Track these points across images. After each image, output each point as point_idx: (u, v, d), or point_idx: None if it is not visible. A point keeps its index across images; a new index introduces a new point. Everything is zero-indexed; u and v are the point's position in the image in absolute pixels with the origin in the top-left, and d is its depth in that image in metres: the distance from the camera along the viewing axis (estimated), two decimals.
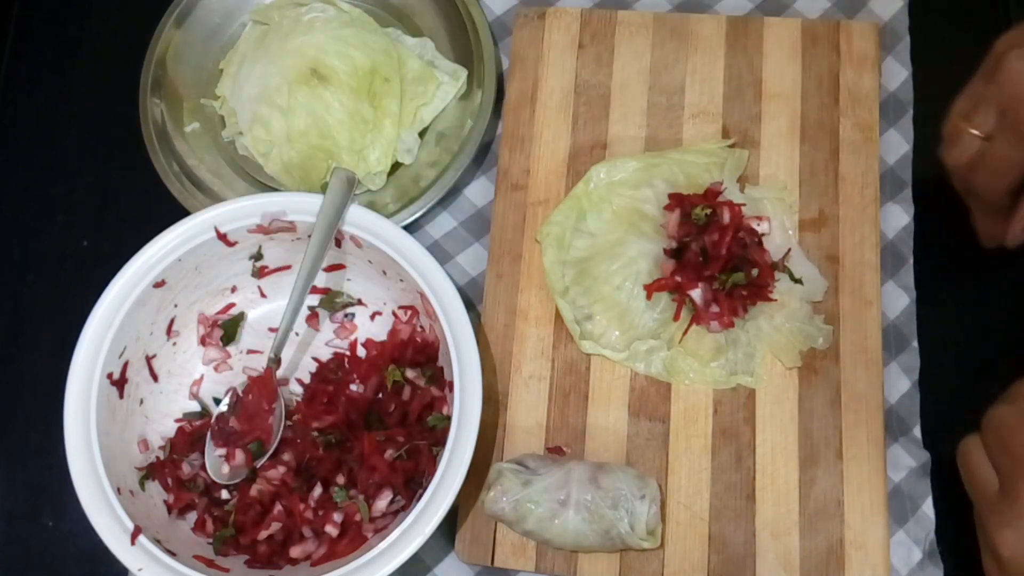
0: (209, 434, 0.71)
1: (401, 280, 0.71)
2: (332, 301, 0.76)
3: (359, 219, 0.70)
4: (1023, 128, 0.58)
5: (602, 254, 0.73)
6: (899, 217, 0.76)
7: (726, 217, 0.72)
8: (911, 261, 0.75)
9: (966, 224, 0.77)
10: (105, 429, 0.67)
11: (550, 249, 0.74)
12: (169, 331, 0.74)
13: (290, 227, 0.71)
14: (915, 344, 0.73)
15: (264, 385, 0.72)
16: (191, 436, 0.72)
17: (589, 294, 0.72)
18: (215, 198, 0.79)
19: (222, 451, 0.70)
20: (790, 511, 0.68)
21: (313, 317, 0.76)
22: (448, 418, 0.66)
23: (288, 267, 0.76)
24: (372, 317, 0.76)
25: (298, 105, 0.77)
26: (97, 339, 0.68)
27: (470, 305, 0.77)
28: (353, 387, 0.73)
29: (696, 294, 0.71)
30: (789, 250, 0.73)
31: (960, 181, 0.64)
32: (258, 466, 0.70)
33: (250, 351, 0.76)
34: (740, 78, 0.79)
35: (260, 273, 0.76)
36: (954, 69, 0.81)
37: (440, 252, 0.79)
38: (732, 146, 0.76)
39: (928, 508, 0.69)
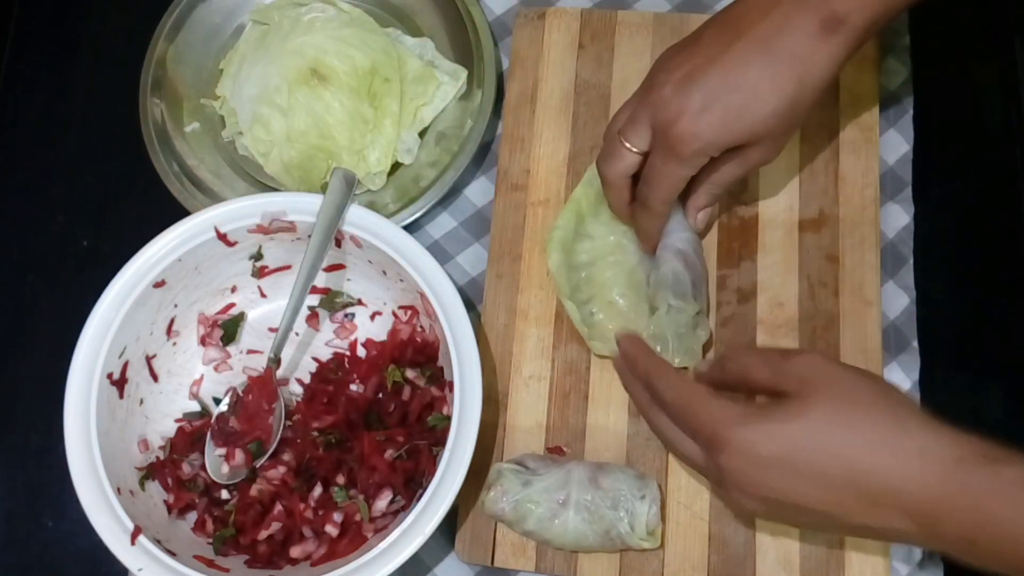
0: (209, 434, 0.71)
1: (401, 280, 0.71)
2: (332, 301, 0.76)
3: (359, 219, 0.70)
4: (672, 147, 0.62)
5: (603, 259, 0.73)
6: (899, 217, 0.76)
7: None
8: (911, 261, 0.75)
9: (966, 224, 0.77)
10: (105, 429, 0.67)
11: (555, 253, 0.74)
12: (169, 331, 0.74)
13: (290, 227, 0.71)
14: (915, 344, 0.73)
15: (264, 385, 0.72)
16: (191, 436, 0.72)
17: (594, 301, 0.72)
18: (215, 198, 0.79)
19: (222, 451, 0.70)
20: None
21: (313, 317, 0.76)
22: (448, 418, 0.66)
23: (288, 267, 0.76)
24: (372, 317, 0.76)
25: (298, 105, 0.77)
26: (97, 339, 0.68)
27: (470, 305, 0.77)
28: (353, 387, 0.73)
29: None
30: None
31: (614, 191, 0.68)
32: (258, 466, 0.70)
33: (250, 351, 0.76)
34: None
35: (260, 273, 0.76)
36: (954, 69, 0.81)
37: (440, 252, 0.79)
38: None
39: None
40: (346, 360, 0.75)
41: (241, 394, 0.72)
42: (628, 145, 0.65)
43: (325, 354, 0.76)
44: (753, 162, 0.66)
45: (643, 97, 0.64)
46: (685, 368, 0.69)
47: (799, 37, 0.59)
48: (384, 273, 0.73)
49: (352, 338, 0.76)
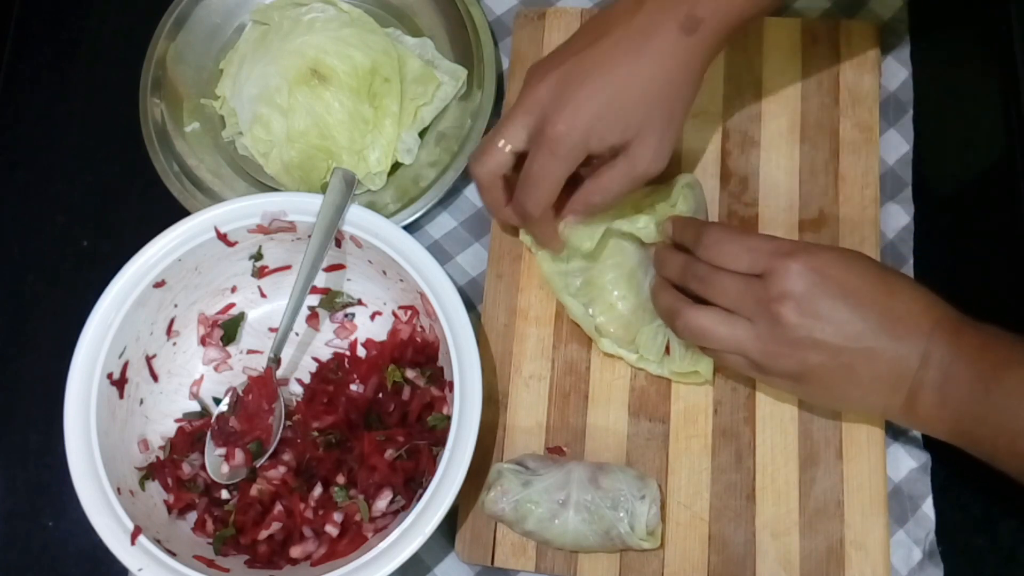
0: (209, 434, 0.71)
1: (401, 280, 0.71)
2: (332, 301, 0.76)
3: (359, 219, 0.70)
4: (549, 144, 0.63)
5: (603, 262, 0.73)
6: (899, 217, 0.76)
7: None
8: (911, 261, 0.75)
9: (966, 224, 0.77)
10: (105, 429, 0.67)
11: (544, 262, 0.74)
12: (169, 331, 0.74)
13: (290, 227, 0.71)
14: None
15: (264, 385, 0.72)
16: (191, 436, 0.72)
17: (595, 304, 0.72)
18: (215, 198, 0.79)
19: (222, 451, 0.70)
20: (790, 511, 0.68)
21: (313, 317, 0.76)
22: (448, 418, 0.66)
23: (288, 267, 0.76)
24: (372, 317, 0.76)
25: (298, 105, 0.77)
26: (97, 339, 0.68)
27: (470, 305, 0.77)
28: (353, 387, 0.73)
29: None
30: None
31: (489, 191, 0.69)
32: (258, 466, 0.70)
33: (250, 351, 0.76)
34: (740, 78, 0.79)
35: (260, 273, 0.76)
36: (954, 69, 0.81)
37: (440, 252, 0.79)
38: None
39: (928, 508, 0.69)
40: (346, 360, 0.75)
41: (241, 394, 0.72)
42: (502, 143, 0.66)
43: (325, 354, 0.76)
44: (638, 168, 0.65)
45: (519, 100, 0.66)
46: (696, 372, 0.69)
47: (662, 36, 0.62)
48: (384, 273, 0.73)
49: (352, 338, 0.76)
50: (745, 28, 0.64)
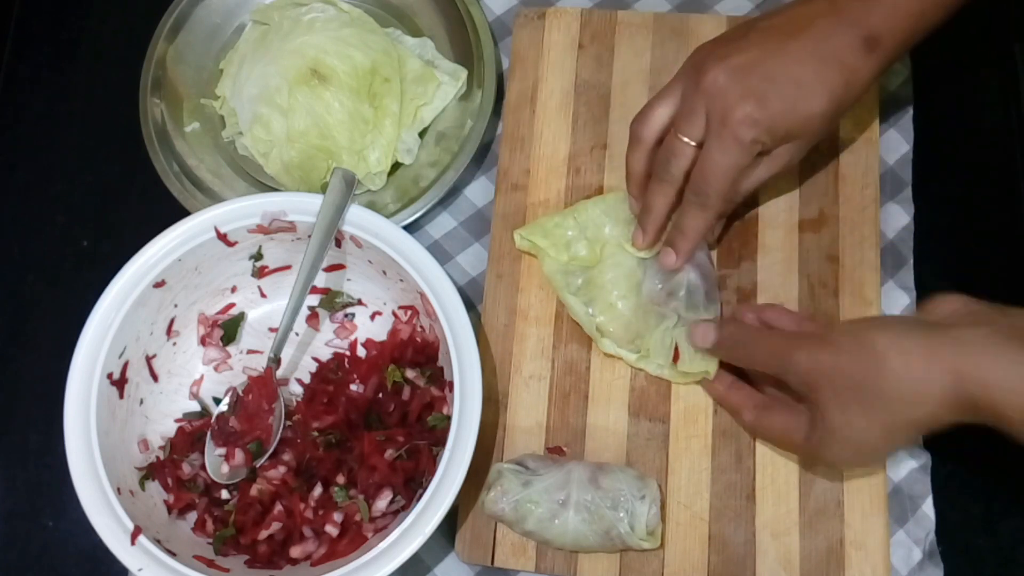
0: (209, 434, 0.71)
1: (401, 280, 0.71)
2: (332, 301, 0.76)
3: (359, 219, 0.70)
4: (734, 133, 0.62)
5: (604, 261, 0.73)
6: (899, 217, 0.76)
7: None
8: (911, 261, 0.75)
9: (966, 224, 0.77)
10: (105, 429, 0.67)
11: (546, 260, 0.74)
12: (169, 331, 0.74)
13: (290, 227, 0.71)
14: None
15: (264, 385, 0.72)
16: (191, 436, 0.72)
17: (595, 304, 0.72)
18: (215, 198, 0.79)
19: (222, 451, 0.70)
20: (790, 511, 0.68)
21: (313, 317, 0.76)
22: (448, 418, 0.66)
23: (288, 267, 0.76)
24: (372, 317, 0.76)
25: (298, 105, 0.77)
26: (97, 339, 0.68)
27: (470, 305, 0.77)
28: (353, 387, 0.73)
29: None
30: None
31: (671, 191, 0.67)
32: (258, 466, 0.70)
33: (250, 351, 0.76)
34: None
35: (260, 273, 0.76)
36: (954, 69, 0.81)
37: (440, 252, 0.79)
38: None
39: (928, 508, 0.69)
40: (346, 360, 0.75)
41: (241, 394, 0.72)
42: (686, 139, 0.65)
43: (325, 354, 0.76)
44: (779, 165, 0.66)
45: (694, 86, 0.64)
46: (707, 373, 0.69)
47: (845, 48, 0.62)
48: (384, 273, 0.73)
49: (352, 338, 0.76)
50: (915, 45, 0.65)
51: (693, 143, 0.64)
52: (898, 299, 0.74)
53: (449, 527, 0.70)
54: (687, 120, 0.64)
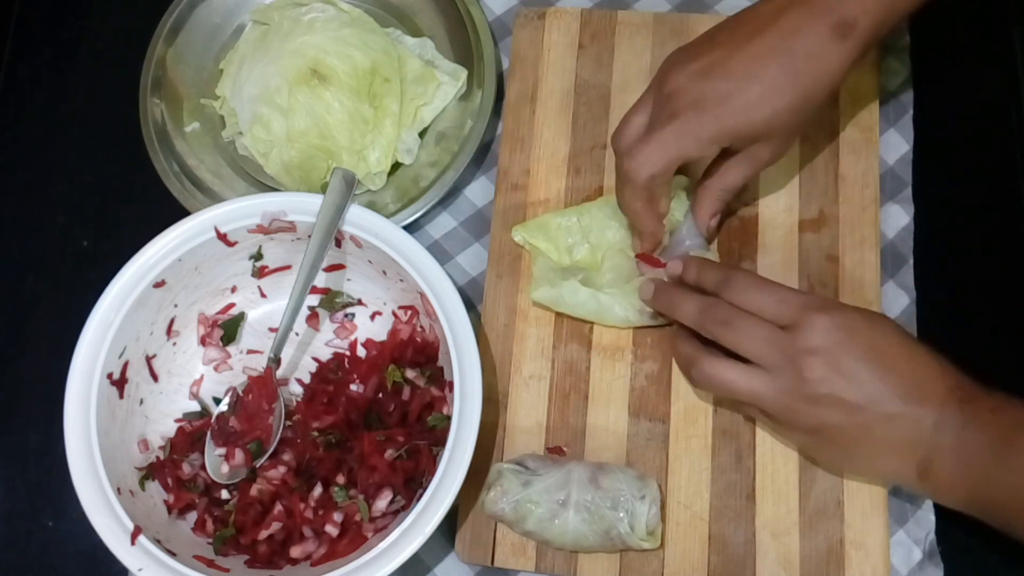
0: (209, 434, 0.71)
1: (401, 280, 0.71)
2: (332, 301, 0.76)
3: (359, 219, 0.70)
4: (680, 129, 0.63)
5: (603, 264, 0.73)
6: (899, 217, 0.76)
7: None
8: (911, 261, 0.75)
9: (966, 224, 0.77)
10: (105, 429, 0.67)
11: (540, 258, 0.74)
12: (169, 331, 0.74)
13: (290, 227, 0.71)
14: None
15: (264, 385, 0.72)
16: (191, 436, 0.72)
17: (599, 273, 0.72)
18: (215, 198, 0.79)
19: (222, 451, 0.70)
20: (790, 511, 0.68)
21: (313, 317, 0.76)
22: (448, 418, 0.66)
23: (288, 267, 0.76)
24: (372, 317, 0.76)
25: (298, 105, 0.77)
26: (97, 339, 0.68)
27: (470, 305, 0.77)
28: (353, 387, 0.73)
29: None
30: None
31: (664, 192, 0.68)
32: (258, 466, 0.70)
33: (250, 351, 0.76)
34: None
35: (260, 273, 0.76)
36: (954, 69, 0.81)
37: (440, 252, 0.79)
38: None
39: (928, 508, 0.69)
40: (346, 360, 0.75)
41: (241, 394, 0.72)
42: (639, 120, 0.66)
43: (325, 354, 0.76)
44: (761, 162, 0.67)
45: (659, 93, 0.65)
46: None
47: (813, 39, 0.62)
48: (384, 273, 0.73)
49: (352, 338, 0.76)
50: (891, 32, 0.64)
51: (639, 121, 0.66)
52: (898, 299, 0.74)
53: (449, 527, 0.70)
54: (643, 114, 0.66)
